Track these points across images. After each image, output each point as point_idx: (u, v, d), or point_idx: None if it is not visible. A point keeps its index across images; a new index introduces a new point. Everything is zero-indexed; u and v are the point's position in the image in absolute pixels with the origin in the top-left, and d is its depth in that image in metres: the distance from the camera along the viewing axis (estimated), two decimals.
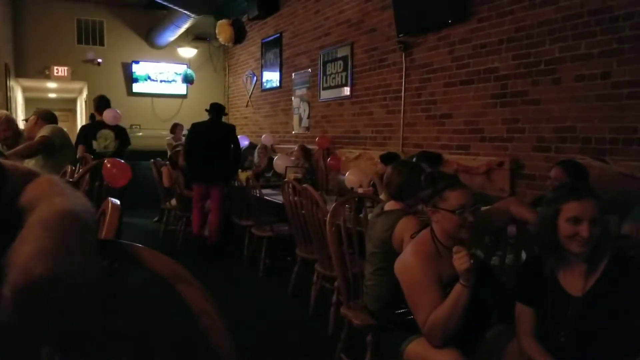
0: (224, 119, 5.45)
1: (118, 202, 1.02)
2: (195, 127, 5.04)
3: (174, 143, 7.28)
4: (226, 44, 7.27)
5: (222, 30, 6.21)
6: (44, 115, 3.79)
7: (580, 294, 1.57)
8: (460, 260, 1.65)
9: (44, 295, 0.53)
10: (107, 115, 5.31)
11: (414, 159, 3.46)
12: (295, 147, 6.18)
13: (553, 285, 1.62)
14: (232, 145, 5.03)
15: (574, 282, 1.59)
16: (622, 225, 2.29)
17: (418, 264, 1.79)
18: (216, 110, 5.05)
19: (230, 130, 5.13)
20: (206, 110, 5.08)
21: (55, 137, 3.58)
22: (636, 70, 2.90)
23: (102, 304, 0.65)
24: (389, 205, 2.41)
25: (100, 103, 5.45)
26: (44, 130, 3.54)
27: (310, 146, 6.17)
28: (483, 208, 2.20)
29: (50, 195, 0.65)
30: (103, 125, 5.27)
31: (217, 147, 4.92)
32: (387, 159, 4.04)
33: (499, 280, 2.04)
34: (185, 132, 7.92)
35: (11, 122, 3.72)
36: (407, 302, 1.82)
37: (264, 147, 6.57)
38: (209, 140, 4.92)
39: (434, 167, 3.39)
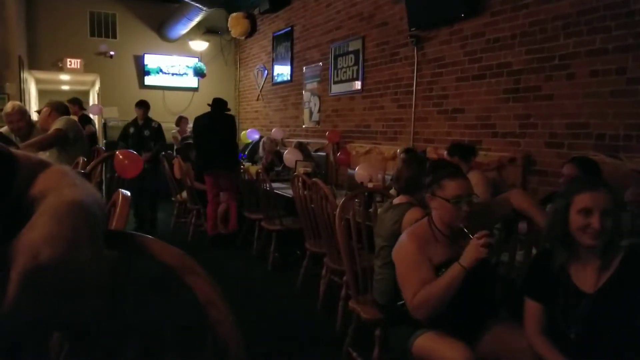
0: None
1: (128, 193, 1.02)
2: (198, 120, 5.23)
3: (180, 137, 7.35)
4: (240, 38, 7.24)
5: (238, 22, 6.21)
6: (57, 106, 3.82)
7: (592, 290, 1.54)
8: (479, 248, 1.66)
9: (50, 280, 0.54)
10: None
11: (446, 152, 3.44)
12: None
13: (564, 281, 1.59)
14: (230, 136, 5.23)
15: (586, 278, 1.56)
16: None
17: (411, 243, 1.87)
18: (217, 104, 5.17)
19: (229, 120, 5.23)
20: (208, 104, 5.24)
21: (70, 130, 3.61)
22: None
23: (109, 295, 0.65)
24: (398, 200, 2.42)
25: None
26: (58, 123, 3.57)
27: (320, 140, 6.16)
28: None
29: (61, 186, 0.66)
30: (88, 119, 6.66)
31: (219, 137, 5.07)
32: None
33: (495, 269, 2.08)
34: (190, 125, 8.01)
35: (24, 113, 3.76)
36: (398, 280, 1.88)
37: (270, 141, 6.53)
38: (211, 132, 5.07)
39: (467, 159, 3.36)
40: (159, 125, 5.91)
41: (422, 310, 1.75)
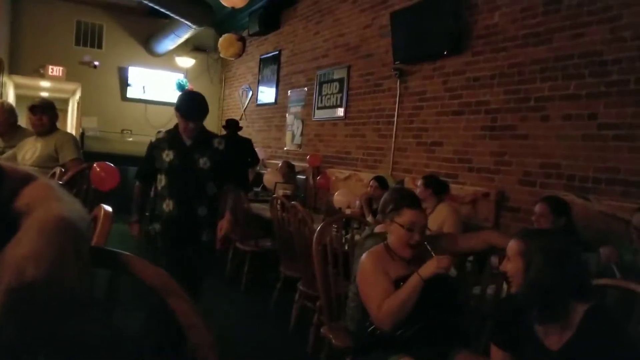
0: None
1: (110, 209, 1.03)
2: None
3: None
4: (231, 58, 7.29)
5: (230, 44, 6.27)
6: (53, 112, 3.63)
7: (556, 348, 1.48)
8: (440, 263, 1.83)
9: (36, 298, 0.53)
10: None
11: (422, 181, 3.51)
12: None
13: (529, 335, 1.54)
14: (249, 158, 5.68)
15: (550, 334, 1.50)
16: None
17: (369, 261, 2.02)
18: (232, 125, 5.66)
19: (248, 143, 5.70)
20: (223, 126, 5.73)
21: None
22: (621, 114, 2.99)
23: (92, 311, 0.65)
24: (379, 228, 2.44)
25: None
26: (71, 149, 3.52)
27: (301, 163, 6.20)
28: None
29: (47, 200, 0.65)
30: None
31: (237, 159, 5.23)
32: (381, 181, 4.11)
33: (457, 294, 2.15)
34: None
35: (6, 111, 3.72)
36: (362, 299, 1.99)
37: None
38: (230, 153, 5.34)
39: (439, 194, 3.44)
40: (225, 142, 2.81)
41: (387, 321, 1.86)
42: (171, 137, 2.75)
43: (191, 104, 2.72)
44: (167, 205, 2.68)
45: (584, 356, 1.44)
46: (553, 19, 3.41)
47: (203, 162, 2.69)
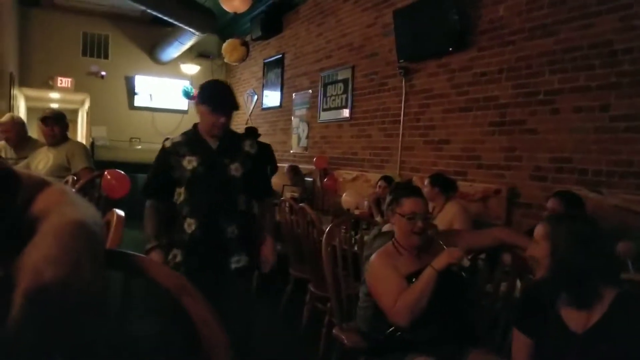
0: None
1: (122, 213, 1.03)
2: None
3: None
4: (235, 64, 7.36)
5: (234, 49, 6.31)
6: (64, 123, 3.71)
7: (581, 331, 1.46)
8: (453, 254, 1.83)
9: (53, 300, 0.54)
10: None
11: (428, 180, 3.49)
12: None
13: (554, 318, 1.53)
14: (269, 166, 5.55)
15: (576, 317, 1.49)
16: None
17: (378, 259, 2.03)
18: (252, 133, 5.76)
19: (267, 149, 5.61)
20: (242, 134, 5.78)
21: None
22: (634, 105, 2.94)
23: (106, 313, 0.65)
24: (387, 227, 2.43)
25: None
26: (82, 158, 3.58)
27: (308, 166, 6.20)
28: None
29: (62, 205, 0.67)
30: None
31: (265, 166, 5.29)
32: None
33: (467, 290, 2.12)
34: None
35: (15, 125, 3.81)
36: (374, 297, 1.99)
37: None
38: None
39: (446, 192, 3.42)
40: (258, 148, 2.40)
41: (404, 317, 1.85)
42: (191, 140, 2.22)
43: (220, 93, 2.20)
44: (189, 226, 2.16)
45: (610, 340, 1.42)
46: (560, 10, 3.37)
47: (234, 168, 2.19)
